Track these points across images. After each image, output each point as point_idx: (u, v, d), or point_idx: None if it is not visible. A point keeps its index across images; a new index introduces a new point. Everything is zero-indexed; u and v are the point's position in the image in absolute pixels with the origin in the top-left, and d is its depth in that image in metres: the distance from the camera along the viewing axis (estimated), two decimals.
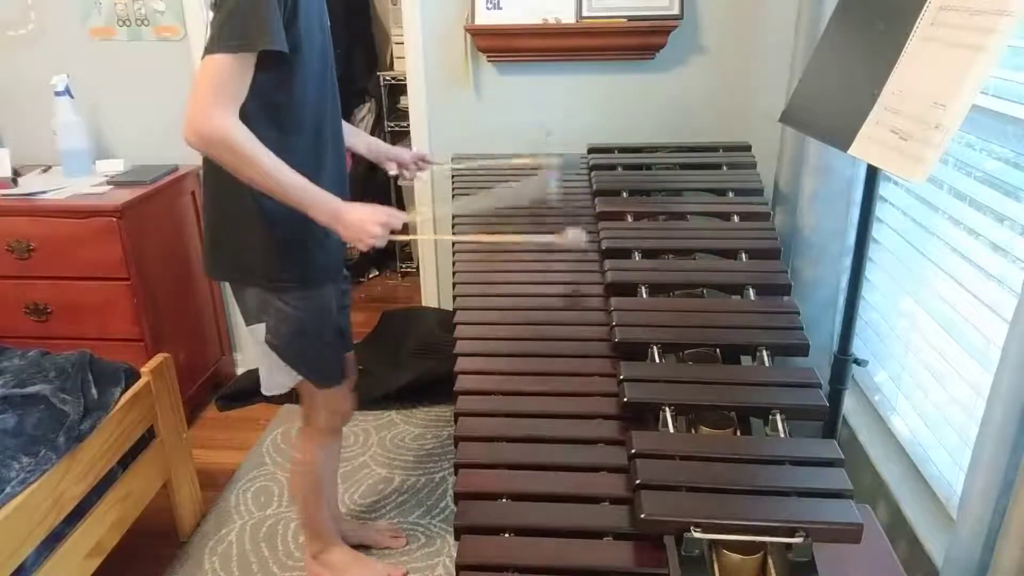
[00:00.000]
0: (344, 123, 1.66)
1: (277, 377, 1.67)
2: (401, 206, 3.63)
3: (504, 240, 1.74)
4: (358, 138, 1.83)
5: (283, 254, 1.53)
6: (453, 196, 2.09)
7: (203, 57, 1.31)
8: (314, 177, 1.44)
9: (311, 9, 1.42)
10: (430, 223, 2.67)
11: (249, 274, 1.56)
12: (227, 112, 1.31)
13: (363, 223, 1.44)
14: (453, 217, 1.99)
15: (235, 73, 1.31)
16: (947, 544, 1.33)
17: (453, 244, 1.89)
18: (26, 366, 1.86)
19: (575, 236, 1.62)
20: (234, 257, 1.56)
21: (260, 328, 1.61)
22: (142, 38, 2.54)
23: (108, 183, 2.47)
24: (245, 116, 1.35)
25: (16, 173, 2.52)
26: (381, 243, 1.46)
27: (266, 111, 1.40)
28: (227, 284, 1.68)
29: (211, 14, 1.38)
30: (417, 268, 3.30)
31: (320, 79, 1.49)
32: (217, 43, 1.29)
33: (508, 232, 1.84)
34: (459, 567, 1.10)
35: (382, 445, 2.50)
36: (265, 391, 1.71)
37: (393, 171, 1.85)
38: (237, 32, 1.29)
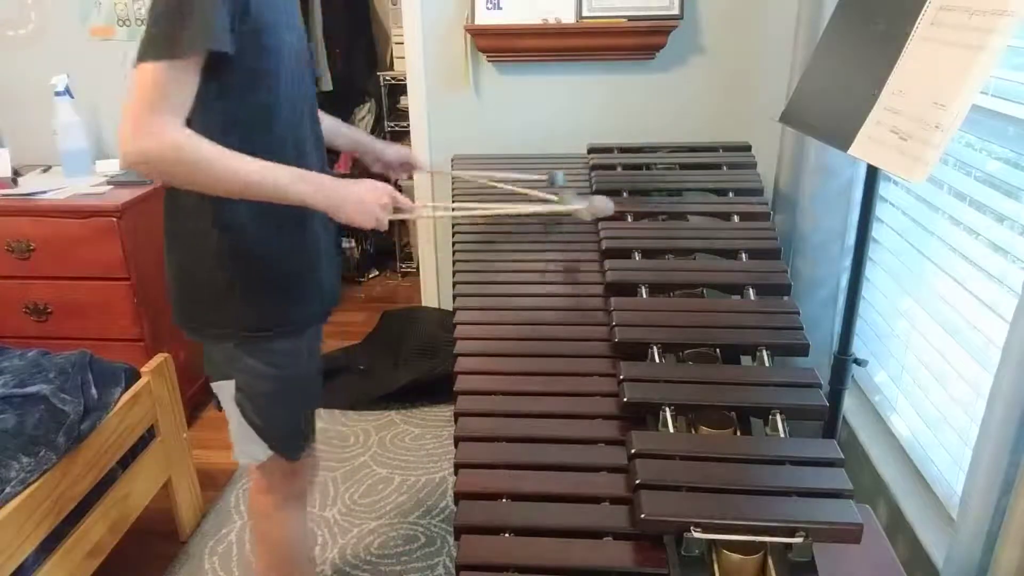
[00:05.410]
0: (326, 116, 1.49)
1: (248, 446, 1.43)
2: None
3: (516, 211, 1.59)
4: (338, 133, 1.62)
5: (256, 300, 1.32)
6: (453, 197, 2.09)
7: (134, 66, 1.12)
8: None
9: (272, 2, 1.20)
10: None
11: (212, 327, 1.34)
12: (168, 123, 1.11)
13: (364, 204, 1.28)
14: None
15: (173, 81, 1.11)
16: (947, 544, 1.33)
17: (454, 244, 1.89)
18: (26, 366, 1.86)
19: (603, 204, 1.64)
20: (195, 305, 1.34)
21: (227, 385, 1.39)
22: None
23: (108, 183, 2.47)
24: (199, 130, 1.17)
25: (16, 173, 2.52)
26: (384, 226, 1.31)
27: (224, 118, 1.21)
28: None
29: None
30: (417, 268, 3.30)
31: (293, 80, 1.28)
32: (148, 49, 1.10)
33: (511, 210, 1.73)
34: (459, 567, 1.10)
35: (382, 445, 2.50)
36: (237, 457, 1.49)
37: (378, 170, 1.70)
38: (171, 35, 1.09)
